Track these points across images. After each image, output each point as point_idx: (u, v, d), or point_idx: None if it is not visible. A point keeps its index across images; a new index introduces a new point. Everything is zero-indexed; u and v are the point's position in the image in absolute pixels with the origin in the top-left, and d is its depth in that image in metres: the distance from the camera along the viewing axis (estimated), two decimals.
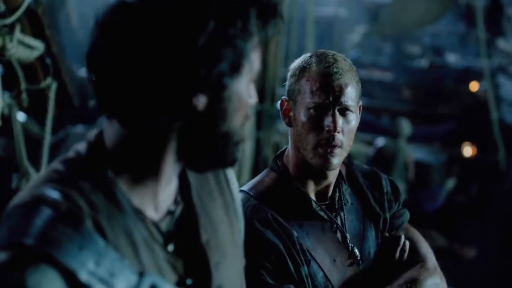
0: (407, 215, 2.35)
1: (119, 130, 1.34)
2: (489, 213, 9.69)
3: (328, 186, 2.20)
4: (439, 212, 9.70)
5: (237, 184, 1.67)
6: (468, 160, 11.40)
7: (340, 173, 2.24)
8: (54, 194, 1.27)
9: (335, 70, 2.08)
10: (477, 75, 14.49)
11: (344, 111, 2.09)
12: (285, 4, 6.74)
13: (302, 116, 2.11)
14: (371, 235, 2.26)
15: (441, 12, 14.27)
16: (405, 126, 9.46)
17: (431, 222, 8.88)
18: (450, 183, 10.42)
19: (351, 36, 17.20)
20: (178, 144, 1.34)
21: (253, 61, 1.35)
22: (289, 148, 2.21)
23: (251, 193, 2.15)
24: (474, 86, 14.88)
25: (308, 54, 2.19)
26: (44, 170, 2.98)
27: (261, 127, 6.42)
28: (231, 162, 1.41)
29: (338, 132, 2.07)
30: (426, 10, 13.78)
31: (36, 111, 3.01)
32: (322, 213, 2.17)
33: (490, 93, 11.35)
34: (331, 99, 2.07)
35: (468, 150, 11.52)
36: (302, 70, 2.13)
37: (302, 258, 2.08)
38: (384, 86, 16.23)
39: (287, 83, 2.18)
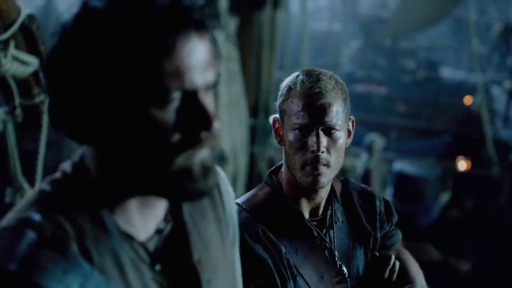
0: (399, 235, 2.36)
1: (93, 154, 1.34)
2: (484, 227, 9.70)
3: (319, 204, 2.21)
4: (434, 226, 9.69)
5: (232, 193, 1.66)
6: (462, 174, 11.41)
7: (333, 190, 2.25)
8: (39, 217, 1.26)
9: (317, 90, 2.08)
10: (471, 89, 14.56)
11: (329, 130, 2.09)
12: (280, 19, 6.77)
13: (289, 137, 2.12)
14: (360, 254, 2.26)
15: (442, 16, 14.38)
16: (378, 142, 9.35)
17: (426, 236, 8.88)
18: (445, 197, 10.43)
19: (345, 51, 17.25)
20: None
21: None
22: (283, 166, 2.22)
23: (244, 206, 2.17)
24: (468, 100, 14.94)
25: (296, 73, 2.18)
26: (37, 186, 3.01)
27: (255, 141, 6.44)
28: (192, 196, 1.33)
29: (323, 152, 2.08)
30: (425, 16, 13.88)
31: (30, 126, 3.02)
32: (312, 230, 2.19)
33: (484, 107, 11.39)
34: (313, 119, 2.08)
35: (462, 164, 11.53)
36: (289, 90, 2.13)
37: (289, 274, 2.09)
38: (378, 100, 16.27)
39: (278, 102, 2.18)
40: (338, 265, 2.20)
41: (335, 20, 18.39)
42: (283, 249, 2.11)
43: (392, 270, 2.23)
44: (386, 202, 2.37)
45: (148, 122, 1.24)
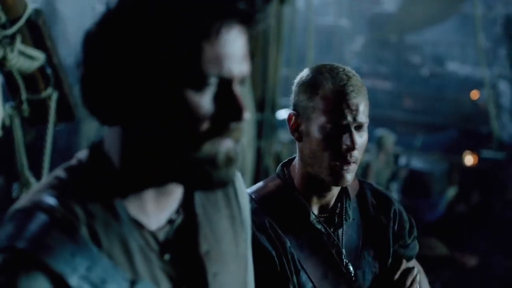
0: (417, 249, 2.36)
1: (116, 139, 1.35)
2: (491, 222, 9.68)
3: (330, 200, 2.21)
4: (441, 220, 9.69)
5: (246, 191, 1.66)
6: (469, 168, 11.40)
7: (345, 188, 2.25)
8: (51, 200, 1.29)
9: (351, 88, 2.09)
10: (477, 84, 14.54)
11: (359, 128, 2.11)
12: (286, 14, 6.76)
13: (317, 134, 2.11)
14: (368, 255, 2.26)
15: (445, 13, 14.37)
16: (388, 138, 9.32)
17: (433, 230, 8.87)
18: (451, 192, 10.42)
19: (351, 46, 17.25)
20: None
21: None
22: (297, 161, 2.21)
23: (253, 196, 2.17)
24: (474, 94, 14.91)
25: (316, 69, 2.17)
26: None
27: (261, 136, 6.42)
28: (213, 184, 1.34)
29: (356, 150, 2.10)
30: (431, 13, 13.87)
31: (37, 121, 3.02)
32: (319, 226, 2.18)
33: (490, 102, 11.37)
34: (348, 118, 2.09)
35: (469, 159, 11.52)
36: (315, 87, 2.12)
37: (292, 268, 2.10)
38: (384, 94, 16.26)
39: (296, 98, 2.16)
40: (344, 263, 2.20)
41: (341, 15, 18.37)
42: (288, 243, 2.11)
43: (414, 281, 2.25)
44: (403, 211, 2.35)
45: (183, 104, 1.26)
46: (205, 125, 1.28)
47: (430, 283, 2.39)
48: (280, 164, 2.28)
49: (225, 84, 1.29)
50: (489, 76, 12.64)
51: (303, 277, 2.12)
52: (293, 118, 2.17)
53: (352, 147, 2.08)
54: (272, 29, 6.43)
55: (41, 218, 1.26)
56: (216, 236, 1.49)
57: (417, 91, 16.42)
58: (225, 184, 1.35)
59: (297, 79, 2.19)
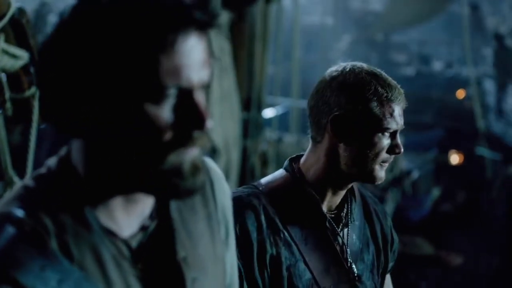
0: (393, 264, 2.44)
1: (80, 149, 1.33)
2: (476, 221, 9.72)
3: (338, 199, 2.25)
4: (426, 220, 9.71)
5: (229, 189, 1.65)
6: (455, 168, 11.43)
7: (351, 188, 2.28)
8: (19, 212, 1.26)
9: (397, 94, 2.15)
10: (463, 83, 14.57)
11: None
12: (272, 12, 6.75)
13: (363, 137, 2.13)
14: (368, 260, 2.29)
15: (435, 11, 14.40)
16: None
17: (418, 230, 8.90)
18: (436, 192, 10.45)
19: (337, 44, 17.26)
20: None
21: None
22: (318, 157, 2.20)
23: (260, 188, 2.20)
24: (460, 94, 14.96)
25: (355, 71, 2.17)
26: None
27: (247, 135, 6.42)
28: (180, 194, 1.33)
29: None
30: (417, 12, 13.90)
31: (20, 120, 3.01)
32: (327, 223, 2.21)
33: (476, 101, 11.41)
34: (396, 123, 2.15)
35: (455, 158, 11.55)
36: (362, 90, 2.12)
37: (281, 253, 2.12)
38: None
39: (336, 99, 2.15)
40: (349, 262, 2.22)
41: (327, 14, 18.37)
42: (286, 233, 2.13)
43: None
44: (392, 225, 2.43)
45: (142, 118, 1.24)
46: (167, 136, 1.26)
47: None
48: (288, 159, 2.29)
49: (185, 94, 1.27)
50: (475, 75, 12.67)
51: (301, 266, 2.13)
52: (337, 119, 2.15)
53: (399, 152, 2.15)
54: (258, 28, 6.42)
55: (8, 231, 1.24)
56: (193, 240, 1.48)
57: (403, 90, 16.45)
58: (193, 192, 1.33)
59: (332, 80, 2.17)
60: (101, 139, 1.28)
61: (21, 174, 3.06)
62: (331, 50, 14.91)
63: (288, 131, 9.33)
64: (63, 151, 1.37)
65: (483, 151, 11.02)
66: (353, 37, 19.53)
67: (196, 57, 1.27)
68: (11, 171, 3.04)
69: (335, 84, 2.15)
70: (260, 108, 6.57)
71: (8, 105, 2.95)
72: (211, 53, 1.32)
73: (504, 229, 9.25)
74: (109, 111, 1.25)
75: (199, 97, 1.29)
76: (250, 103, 6.42)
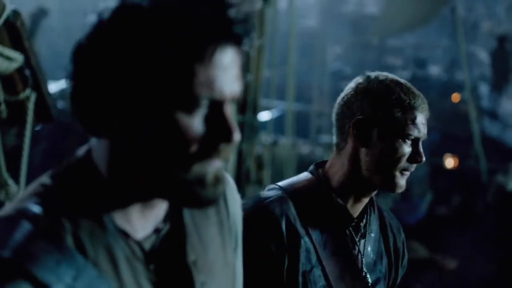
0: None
1: (105, 150, 1.34)
2: (471, 224, 9.73)
3: (359, 208, 2.26)
4: (421, 223, 9.72)
5: (239, 198, 1.66)
6: (450, 171, 11.45)
7: (372, 200, 2.30)
8: (36, 209, 1.28)
9: (421, 103, 2.18)
10: (459, 87, 14.61)
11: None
12: (268, 16, 6.75)
13: (387, 143, 2.15)
14: (381, 271, 2.31)
15: (430, 15, 14.42)
16: None
17: (413, 233, 8.90)
18: (429, 196, 10.47)
19: (333, 48, 17.28)
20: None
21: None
22: (342, 163, 2.22)
23: (284, 189, 2.21)
24: (456, 97, 14.99)
25: (380, 78, 2.21)
26: (23, 181, 2.99)
27: (243, 138, 6.41)
28: (200, 203, 1.34)
29: None
30: (415, 15, 13.92)
31: (14, 122, 3.01)
32: (348, 230, 2.23)
33: (471, 105, 11.42)
34: (419, 132, 2.17)
35: (450, 162, 11.57)
36: (387, 98, 2.15)
37: (302, 261, 2.12)
38: None
39: (360, 105, 2.18)
40: (364, 272, 2.23)
41: (323, 18, 18.39)
42: (307, 237, 2.14)
43: None
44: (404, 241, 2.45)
45: (173, 126, 1.26)
46: (194, 147, 1.27)
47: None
48: (314, 164, 2.31)
49: (216, 106, 1.28)
50: (470, 79, 12.69)
51: (316, 273, 2.14)
52: (359, 123, 2.17)
53: (421, 160, 2.16)
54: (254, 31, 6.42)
55: (26, 226, 1.25)
56: (204, 244, 1.49)
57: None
58: (212, 202, 1.34)
59: (357, 87, 2.21)
60: (129, 142, 1.29)
61: (15, 177, 3.06)
62: (327, 53, 14.91)
63: (283, 134, 9.34)
64: (82, 150, 1.39)
65: (478, 154, 11.02)
66: (348, 41, 19.57)
67: (230, 70, 1.28)
68: (5, 174, 3.03)
69: (359, 90, 2.19)
70: (255, 111, 6.57)
71: (3, 107, 2.94)
72: (244, 67, 1.34)
73: (496, 233, 9.27)
74: (141, 115, 1.26)
75: (229, 110, 1.30)
76: (245, 106, 6.42)
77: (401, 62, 19.47)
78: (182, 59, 1.23)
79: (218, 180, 1.32)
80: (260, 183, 6.51)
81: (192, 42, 1.23)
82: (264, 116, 8.96)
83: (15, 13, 2.82)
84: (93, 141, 1.37)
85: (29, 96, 2.97)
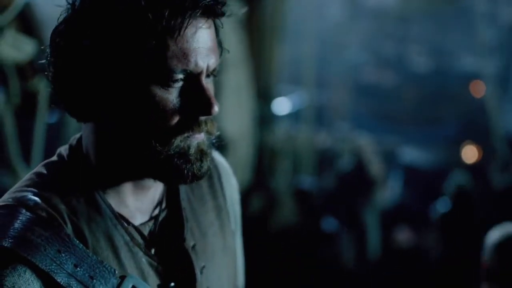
0: None
1: (90, 134, 1.35)
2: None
3: None
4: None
5: (236, 183, 1.66)
6: (471, 165, 11.36)
7: None
8: (34, 198, 1.29)
9: None
10: (481, 78, 14.52)
11: None
12: (285, 5, 6.70)
13: None
14: None
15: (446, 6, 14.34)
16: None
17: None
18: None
19: (351, 36, 17.20)
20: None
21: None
22: None
23: None
24: (475, 87, 14.91)
25: None
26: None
27: (260, 130, 6.35)
28: (186, 178, 1.33)
29: None
30: (432, 4, 13.86)
31: (27, 110, 3.06)
32: None
33: (494, 96, 11.32)
34: None
35: (471, 154, 11.49)
36: None
37: None
38: (387, 87, 16.26)
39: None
40: None
41: (342, 5, 18.33)
42: None
43: None
44: None
45: (150, 100, 1.27)
46: (174, 120, 1.29)
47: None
48: None
49: (193, 78, 1.29)
50: (493, 69, 12.61)
51: None
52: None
53: None
54: (274, 21, 6.38)
55: (25, 215, 1.26)
56: (202, 229, 1.49)
57: (420, 84, 16.40)
58: (200, 177, 1.34)
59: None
60: (111, 121, 1.30)
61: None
62: (344, 41, 14.88)
63: (302, 126, 9.27)
64: (73, 140, 1.40)
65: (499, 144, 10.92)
66: (367, 29, 19.48)
67: (204, 42, 1.29)
68: (17, 159, 3.09)
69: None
70: (272, 103, 6.53)
71: (16, 96, 2.99)
72: (219, 42, 1.34)
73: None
74: (119, 92, 1.27)
75: (206, 82, 1.31)
76: (263, 98, 6.38)
77: (422, 51, 19.33)
78: (152, 32, 1.24)
79: (203, 153, 1.32)
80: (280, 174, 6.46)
81: (160, 14, 1.24)
82: (282, 108, 8.91)
83: (27, 3, 2.86)
84: (83, 128, 1.37)
85: (42, 84, 3.00)
